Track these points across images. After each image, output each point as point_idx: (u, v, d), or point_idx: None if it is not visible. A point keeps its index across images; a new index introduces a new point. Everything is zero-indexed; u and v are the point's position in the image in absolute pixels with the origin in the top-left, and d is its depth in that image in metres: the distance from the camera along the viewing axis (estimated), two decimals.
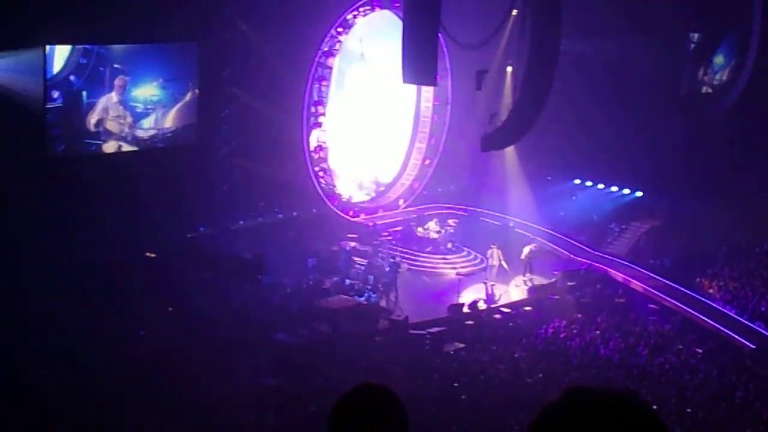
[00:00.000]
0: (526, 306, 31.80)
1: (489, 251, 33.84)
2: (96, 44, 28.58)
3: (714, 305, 31.08)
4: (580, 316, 30.31)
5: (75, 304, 25.57)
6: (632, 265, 34.80)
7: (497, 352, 27.22)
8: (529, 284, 33.33)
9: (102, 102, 29.26)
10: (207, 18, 30.78)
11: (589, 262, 35.32)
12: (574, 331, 28.91)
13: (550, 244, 37.08)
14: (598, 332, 28.62)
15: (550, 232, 37.69)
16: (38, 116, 27.39)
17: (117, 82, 29.45)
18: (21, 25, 25.43)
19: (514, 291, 33.17)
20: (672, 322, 30.20)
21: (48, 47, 27.14)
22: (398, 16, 34.80)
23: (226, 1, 31.10)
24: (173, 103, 31.14)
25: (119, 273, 27.78)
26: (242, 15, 31.89)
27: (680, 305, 31.25)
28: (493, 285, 32.97)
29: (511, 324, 30.10)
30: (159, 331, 26.30)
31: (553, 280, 33.62)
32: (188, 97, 31.37)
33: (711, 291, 32.50)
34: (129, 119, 29.97)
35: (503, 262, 33.30)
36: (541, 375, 25.74)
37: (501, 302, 31.98)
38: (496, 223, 39.05)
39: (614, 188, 40.65)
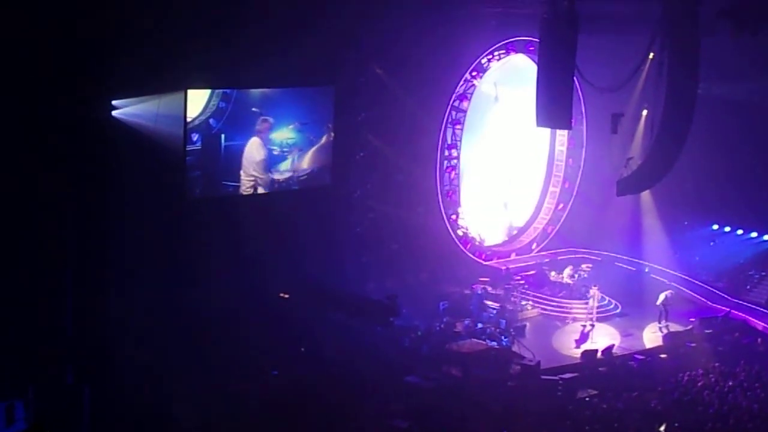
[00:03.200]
0: (661, 353, 31.14)
1: (591, 291, 33.53)
2: (235, 89, 29.14)
3: None
4: (717, 364, 29.54)
5: (212, 343, 26.09)
6: None
7: (632, 400, 26.68)
8: (665, 331, 32.68)
9: (245, 145, 29.81)
10: (343, 62, 31.18)
11: (727, 309, 34.46)
12: (712, 379, 28.19)
13: (687, 291, 36.38)
14: (736, 381, 27.84)
15: (687, 278, 36.97)
16: (178, 158, 27.97)
17: (261, 125, 30.00)
18: (164, 70, 26.05)
19: (649, 337, 32.58)
20: None
21: (189, 92, 27.75)
22: (533, 59, 34.82)
23: (363, 45, 31.42)
24: (309, 146, 31.50)
25: (255, 313, 28.22)
26: (378, 59, 32.28)
27: None
28: (592, 326, 32.80)
29: (646, 371, 29.50)
30: (292, 370, 26.55)
31: (690, 327, 32.91)
32: (324, 140, 31.70)
33: None
34: (265, 162, 30.41)
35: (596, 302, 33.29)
36: (677, 424, 25.12)
37: (635, 348, 31.47)
38: (631, 268, 38.55)
39: (754, 234, 39.65)
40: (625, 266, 38.84)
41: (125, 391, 23.26)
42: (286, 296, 30.53)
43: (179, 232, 27.67)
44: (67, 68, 22.37)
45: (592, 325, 33.02)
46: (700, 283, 36.74)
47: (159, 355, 25.10)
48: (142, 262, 26.35)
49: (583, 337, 32.26)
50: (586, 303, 33.97)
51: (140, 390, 23.59)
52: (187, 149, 28.16)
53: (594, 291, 33.57)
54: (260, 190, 30.41)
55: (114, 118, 25.30)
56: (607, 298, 34.91)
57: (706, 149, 34.30)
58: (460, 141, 35.60)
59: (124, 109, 25.68)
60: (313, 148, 31.60)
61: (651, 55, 30.25)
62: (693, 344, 31.50)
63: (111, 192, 23.98)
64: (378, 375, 26.62)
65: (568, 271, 36.41)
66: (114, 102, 25.23)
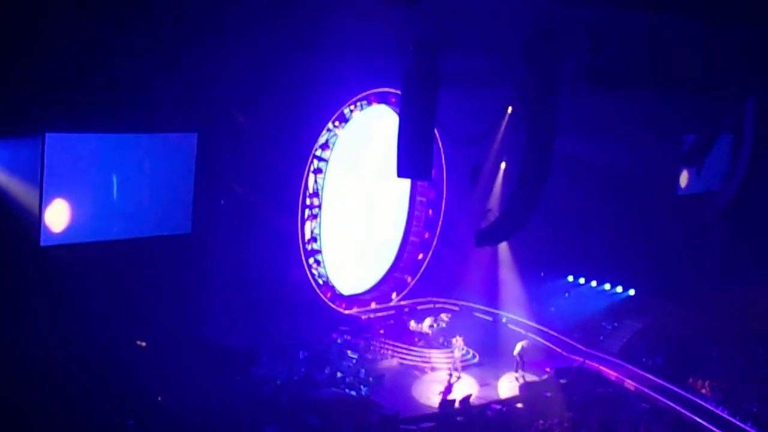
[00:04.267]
0: (518, 402, 31.54)
1: (454, 340, 33.86)
2: (95, 132, 28.68)
3: (706, 405, 30.87)
4: (571, 413, 30.05)
5: (65, 394, 25.46)
6: (625, 364, 34.65)
7: None
8: (521, 380, 33.13)
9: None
10: (207, 108, 30.91)
11: (581, 359, 35.16)
12: (566, 428, 28.65)
13: (543, 341, 36.98)
14: (590, 431, 28.35)
15: (543, 328, 37.58)
16: (33, 206, 27.31)
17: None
18: (21, 112, 25.53)
19: (505, 387, 32.96)
20: (665, 422, 29.98)
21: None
22: (395, 110, 35.23)
23: (227, 92, 31.23)
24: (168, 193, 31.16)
25: (110, 361, 27.58)
26: (241, 106, 32.14)
27: (673, 405, 31.07)
28: (458, 376, 33.19)
29: (502, 420, 29.81)
30: (147, 420, 26.03)
31: (545, 376, 33.47)
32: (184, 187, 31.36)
33: (703, 391, 32.34)
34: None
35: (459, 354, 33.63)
36: None
37: (492, 397, 31.79)
38: (489, 318, 39.01)
39: (607, 286, 40.61)
40: (483, 316, 39.27)
41: None
42: (143, 344, 29.95)
43: (32, 281, 26.97)
44: None
45: (459, 377, 33.25)
46: (555, 334, 37.36)
47: (12, 403, 24.35)
48: None
49: (448, 387, 32.45)
50: (448, 352, 34.22)
51: None
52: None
53: (457, 340, 33.85)
54: (118, 237, 29.85)
55: None
56: (465, 347, 35.20)
57: (562, 202, 35.02)
58: (322, 189, 35.63)
59: None
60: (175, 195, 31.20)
61: (510, 109, 30.94)
62: (548, 394, 31.98)
63: None
64: (237, 425, 26.33)
65: (428, 321, 36.61)
66: None
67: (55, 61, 25.68)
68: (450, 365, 33.78)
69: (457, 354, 33.79)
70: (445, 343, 35.01)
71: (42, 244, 27.59)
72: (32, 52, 25.00)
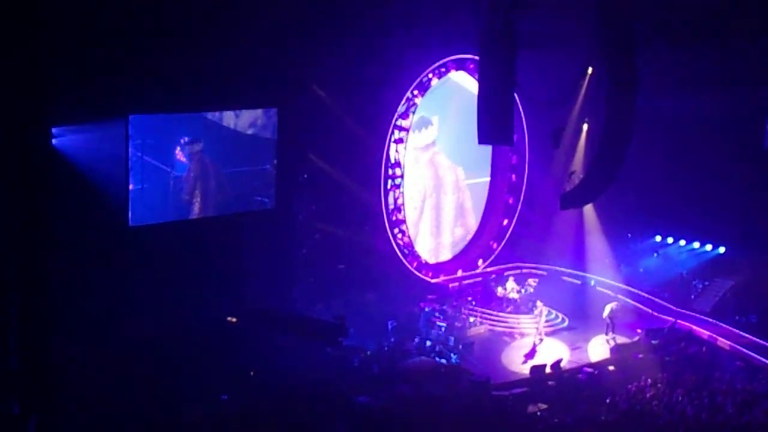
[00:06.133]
0: (609, 365, 31.31)
1: (537, 306, 33.78)
2: (178, 113, 28.96)
3: None
4: (664, 374, 29.71)
5: (160, 370, 25.93)
6: (717, 323, 34.21)
7: (582, 413, 26.73)
8: (612, 343, 32.87)
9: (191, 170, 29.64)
10: (284, 83, 31.09)
11: (672, 319, 34.75)
12: (660, 389, 28.33)
13: (632, 302, 36.66)
14: (684, 391, 28.01)
15: (632, 289, 37.27)
16: (119, 186, 27.64)
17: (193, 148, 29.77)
18: (104, 95, 25.86)
19: (596, 350, 32.73)
20: (759, 380, 29.51)
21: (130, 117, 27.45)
22: (474, 77, 34.99)
23: (303, 66, 31.31)
24: (253, 168, 31.39)
25: (202, 338, 28.00)
26: (318, 79, 32.23)
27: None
28: (541, 341, 33.18)
29: (595, 384, 29.60)
30: (241, 394, 26.40)
31: (636, 338, 33.14)
32: (267, 162, 31.58)
33: None
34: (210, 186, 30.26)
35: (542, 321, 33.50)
36: None
37: (583, 361, 31.60)
38: (577, 281, 38.80)
39: (696, 244, 39.99)
40: (570, 280, 39.12)
41: (72, 420, 22.98)
42: (234, 320, 30.29)
43: (122, 260, 27.35)
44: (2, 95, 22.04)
45: (541, 340, 33.12)
46: (645, 295, 37.07)
47: (106, 385, 24.79)
48: (84, 291, 26.06)
49: (532, 352, 32.33)
50: (535, 317, 34.04)
51: (87, 419, 23.32)
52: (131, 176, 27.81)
53: (540, 306, 33.65)
54: (204, 215, 30.16)
55: (52, 146, 24.96)
56: (554, 312, 35.02)
57: (647, 162, 34.57)
58: (404, 159, 35.57)
59: (63, 137, 25.41)
60: (257, 171, 31.42)
61: (590, 70, 30.51)
62: (640, 355, 31.73)
63: (50, 222, 23.60)
64: (328, 396, 26.49)
65: (513, 285, 36.50)
66: (53, 130, 24.91)
67: (136, 43, 26.02)
68: (536, 330, 33.57)
69: (540, 318, 33.51)
70: (534, 309, 34.78)
71: (131, 224, 27.92)
72: (113, 34, 25.36)
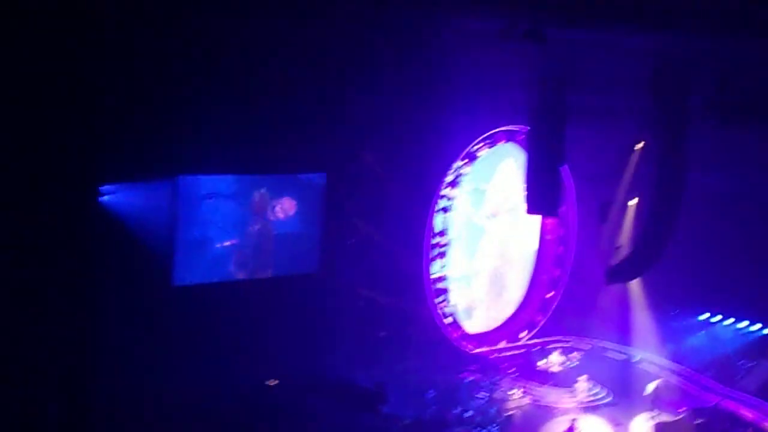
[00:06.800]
0: None
1: (579, 381, 33.16)
2: (227, 174, 29.19)
3: None
4: None
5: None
6: (764, 404, 33.61)
7: None
8: (656, 421, 32.32)
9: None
10: (333, 147, 31.20)
11: (717, 398, 34.18)
12: None
13: (677, 379, 36.12)
14: None
15: (676, 367, 36.74)
16: (164, 245, 27.79)
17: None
18: (154, 155, 26.09)
19: (639, 427, 32.23)
20: None
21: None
22: (522, 147, 34.92)
23: (353, 130, 31.43)
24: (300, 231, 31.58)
25: (241, 400, 27.94)
26: (368, 145, 32.34)
27: None
28: (577, 418, 32.39)
29: None
30: None
31: (680, 416, 32.60)
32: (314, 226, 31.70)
33: None
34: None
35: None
36: None
37: None
38: (621, 356, 38.32)
39: (743, 324, 39.44)
40: (614, 355, 38.61)
41: None
42: (274, 383, 30.17)
43: (165, 320, 27.37)
44: (53, 152, 22.29)
45: (578, 418, 32.60)
46: (690, 372, 36.47)
47: None
48: (126, 351, 26.09)
49: (571, 429, 31.93)
50: (575, 393, 33.59)
51: None
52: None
53: (582, 381, 33.19)
54: (248, 277, 30.22)
55: (101, 203, 25.18)
56: (597, 387, 34.55)
57: (695, 238, 34.28)
58: (450, 227, 35.48)
59: (112, 195, 25.65)
60: (303, 234, 31.52)
61: (641, 144, 30.42)
62: None
63: (95, 278, 23.76)
64: None
65: (557, 358, 36.14)
66: (101, 188, 25.14)
67: (186, 103, 26.26)
68: (576, 406, 33.10)
69: (581, 394, 33.02)
70: (575, 383, 34.35)
71: (175, 283, 28.02)
72: (165, 93, 25.61)
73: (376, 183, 32.80)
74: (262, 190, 30.18)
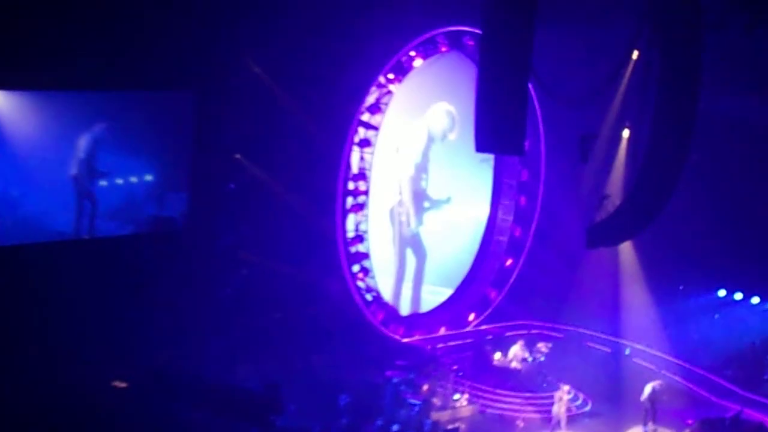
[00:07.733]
0: None
1: (557, 393, 33.46)
2: (57, 90, 29.03)
3: None
4: None
5: None
6: None
7: None
8: None
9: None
10: (208, 59, 30.85)
11: (738, 407, 34.51)
12: None
13: (682, 381, 36.51)
14: None
15: (682, 363, 37.09)
16: None
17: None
18: None
19: None
20: None
21: None
22: (472, 60, 34.71)
23: (237, 37, 31.09)
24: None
25: (77, 408, 27.42)
26: (257, 56, 31.98)
27: None
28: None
29: None
30: None
31: (687, 431, 32.95)
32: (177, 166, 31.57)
33: None
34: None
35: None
36: None
37: None
38: (606, 349, 38.67)
39: None
40: (597, 346, 38.96)
41: None
42: (123, 385, 29.87)
43: None
44: None
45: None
46: (700, 371, 36.86)
47: None
48: None
49: None
50: (547, 398, 33.83)
51: None
52: None
53: (563, 392, 33.27)
54: (83, 236, 30.03)
55: None
56: (573, 391, 34.75)
57: (709, 186, 34.53)
58: (371, 169, 35.26)
59: None
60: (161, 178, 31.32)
61: (635, 55, 30.38)
62: None
63: None
64: None
65: (518, 351, 36.50)
66: None
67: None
68: (554, 418, 33.30)
69: (559, 408, 33.19)
70: (545, 385, 34.55)
71: None
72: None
73: (266, 105, 32.40)
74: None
